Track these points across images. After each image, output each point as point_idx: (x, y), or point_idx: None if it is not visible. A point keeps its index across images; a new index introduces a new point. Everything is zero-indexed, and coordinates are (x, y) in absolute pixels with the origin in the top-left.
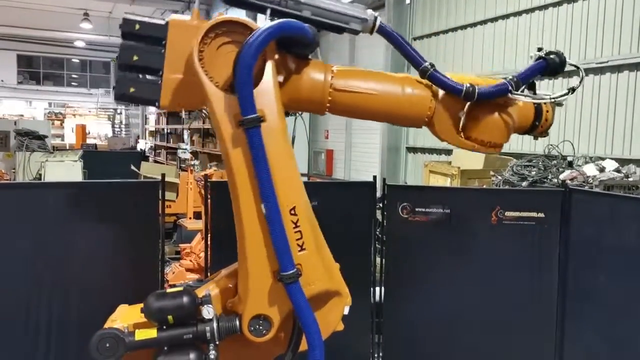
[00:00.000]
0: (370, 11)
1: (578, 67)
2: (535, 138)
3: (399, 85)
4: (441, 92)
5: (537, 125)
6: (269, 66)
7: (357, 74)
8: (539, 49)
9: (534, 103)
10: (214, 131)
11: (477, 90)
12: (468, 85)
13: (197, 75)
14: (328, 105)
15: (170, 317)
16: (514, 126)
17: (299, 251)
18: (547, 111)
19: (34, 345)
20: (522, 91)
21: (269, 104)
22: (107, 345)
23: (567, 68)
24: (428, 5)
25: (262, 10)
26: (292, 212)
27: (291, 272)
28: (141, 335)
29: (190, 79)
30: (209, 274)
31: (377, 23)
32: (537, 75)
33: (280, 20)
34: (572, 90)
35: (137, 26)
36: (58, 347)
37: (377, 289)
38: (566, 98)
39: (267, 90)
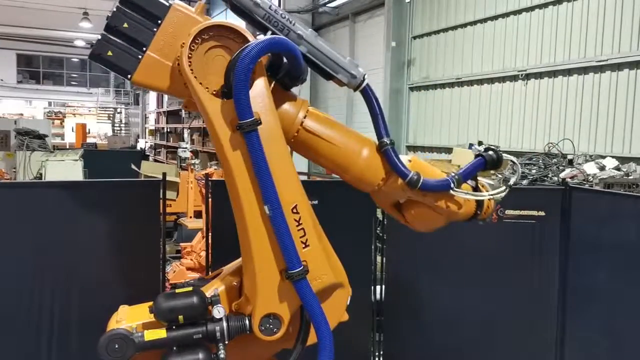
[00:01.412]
0: (361, 70)
1: (514, 162)
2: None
3: (362, 147)
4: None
5: (478, 214)
6: (261, 69)
7: (328, 121)
8: (480, 143)
9: (475, 200)
10: (209, 134)
11: (421, 181)
12: (414, 173)
13: (187, 79)
14: (292, 140)
15: (181, 317)
16: (444, 221)
17: (304, 248)
18: (489, 206)
19: (36, 345)
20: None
21: (263, 106)
22: (116, 346)
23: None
24: (428, 4)
25: (265, 30)
26: (294, 210)
27: (298, 269)
28: (151, 335)
29: (174, 67)
30: (209, 273)
31: (364, 84)
32: (478, 171)
33: (282, 36)
34: (509, 187)
35: None
36: (60, 346)
37: (378, 287)
38: (504, 194)
39: (260, 93)
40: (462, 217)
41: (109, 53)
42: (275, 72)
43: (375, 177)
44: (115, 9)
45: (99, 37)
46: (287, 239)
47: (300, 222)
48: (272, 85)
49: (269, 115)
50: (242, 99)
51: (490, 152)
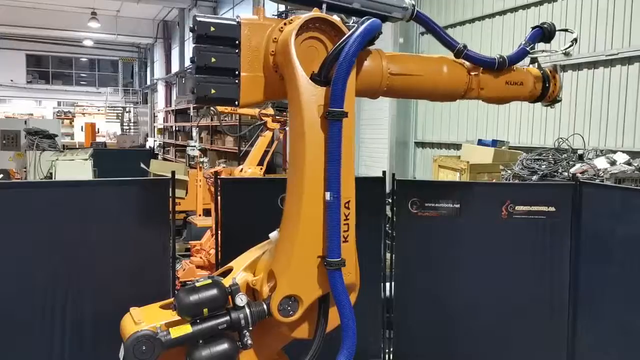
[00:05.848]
0: (408, 0)
1: (567, 30)
2: (550, 105)
3: (440, 65)
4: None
5: (547, 87)
6: (354, 64)
7: (404, 58)
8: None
9: (550, 55)
10: (291, 116)
11: (507, 59)
12: (499, 57)
13: (290, 63)
14: (385, 89)
15: (205, 310)
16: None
17: (343, 242)
18: (555, 77)
19: (49, 345)
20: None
21: (349, 102)
22: (143, 347)
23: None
24: (435, 0)
25: (319, 4)
26: (347, 205)
27: (338, 259)
28: (177, 332)
29: (268, 75)
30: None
31: (415, 11)
32: (539, 39)
33: (372, 20)
34: (575, 40)
35: (212, 28)
36: (72, 346)
37: (387, 284)
38: (572, 47)
39: (348, 89)
40: (535, 88)
41: (213, 91)
42: None
43: (461, 83)
44: (196, 50)
45: (195, 81)
46: (336, 228)
47: (348, 218)
48: None
49: (352, 110)
50: (340, 89)
51: (546, 25)
